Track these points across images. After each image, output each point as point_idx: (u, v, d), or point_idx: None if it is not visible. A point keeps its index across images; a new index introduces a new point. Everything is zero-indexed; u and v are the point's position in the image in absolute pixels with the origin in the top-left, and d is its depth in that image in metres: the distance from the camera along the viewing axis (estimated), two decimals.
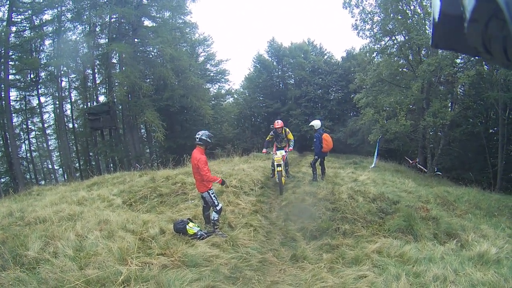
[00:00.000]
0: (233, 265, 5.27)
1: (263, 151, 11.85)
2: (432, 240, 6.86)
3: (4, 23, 24.93)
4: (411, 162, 23.88)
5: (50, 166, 32.30)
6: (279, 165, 10.45)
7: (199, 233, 6.17)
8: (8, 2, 24.44)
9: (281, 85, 40.99)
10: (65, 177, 27.45)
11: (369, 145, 26.12)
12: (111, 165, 28.30)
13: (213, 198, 6.61)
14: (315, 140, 11.03)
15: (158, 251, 5.27)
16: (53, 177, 30.28)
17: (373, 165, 19.23)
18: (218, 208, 6.61)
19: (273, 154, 11.15)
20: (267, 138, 11.62)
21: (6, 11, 24.82)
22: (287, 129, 11.43)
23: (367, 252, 5.84)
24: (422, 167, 22.90)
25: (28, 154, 30.18)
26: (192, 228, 6.18)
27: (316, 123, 11.12)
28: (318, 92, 36.64)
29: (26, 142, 29.80)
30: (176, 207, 8.43)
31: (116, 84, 26.37)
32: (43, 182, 27.60)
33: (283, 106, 37.68)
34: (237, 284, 4.74)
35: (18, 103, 28.62)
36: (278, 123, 11.21)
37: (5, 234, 5.85)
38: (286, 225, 7.60)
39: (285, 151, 11.07)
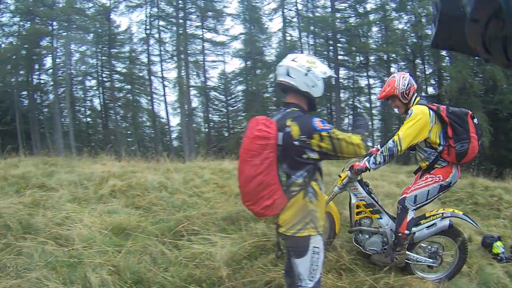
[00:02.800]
0: None
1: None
2: None
3: (329, 9, 28.33)
4: None
5: (369, 144, 34.84)
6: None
7: (501, 255, 5.39)
8: None
9: None
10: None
11: None
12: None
13: None
14: None
15: None
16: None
17: None
18: None
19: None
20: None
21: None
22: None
23: None
24: None
25: (350, 128, 33.27)
26: (498, 247, 5.39)
27: None
28: None
29: (350, 117, 32.95)
30: (486, 220, 7.91)
31: (447, 78, 26.41)
32: None
33: None
34: None
35: (346, 81, 31.92)
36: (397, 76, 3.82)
37: None
38: None
39: (364, 166, 3.62)
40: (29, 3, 24.36)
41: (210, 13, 30.37)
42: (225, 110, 35.03)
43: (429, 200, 3.74)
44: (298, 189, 2.35)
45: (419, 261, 3.90)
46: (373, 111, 32.19)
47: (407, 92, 3.70)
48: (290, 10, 29.92)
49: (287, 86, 2.38)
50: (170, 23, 29.84)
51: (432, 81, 29.13)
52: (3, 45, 26.49)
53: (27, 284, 3.19)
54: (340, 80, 29.95)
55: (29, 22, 25.75)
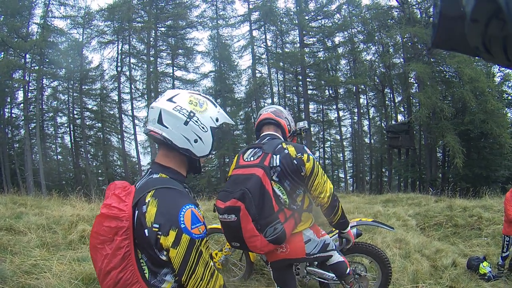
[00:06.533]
0: None
1: None
2: None
3: (297, 45, 28.81)
4: None
5: (341, 175, 35.44)
6: None
7: (489, 274, 5.88)
8: (298, 27, 28.35)
9: None
10: (354, 187, 29.39)
11: None
12: (402, 184, 28.55)
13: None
14: None
15: (448, 283, 5.22)
16: (344, 186, 32.94)
17: None
18: (504, 254, 6.07)
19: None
20: None
21: (298, 35, 28.87)
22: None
23: None
24: None
25: (322, 161, 33.41)
26: (485, 267, 5.95)
27: None
28: None
29: (321, 150, 33.40)
30: (468, 241, 8.22)
31: (417, 104, 26.43)
32: None
33: None
34: None
35: (315, 115, 32.52)
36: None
37: None
38: None
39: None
40: (3, 33, 24.14)
41: (180, 51, 30.76)
42: None
43: None
44: None
45: (335, 281, 3.29)
46: (344, 143, 32.80)
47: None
48: (259, 47, 30.38)
49: (158, 139, 1.62)
50: (141, 61, 29.94)
51: (402, 109, 29.40)
52: None
53: None
54: (310, 115, 30.21)
55: (2, 53, 25.30)
